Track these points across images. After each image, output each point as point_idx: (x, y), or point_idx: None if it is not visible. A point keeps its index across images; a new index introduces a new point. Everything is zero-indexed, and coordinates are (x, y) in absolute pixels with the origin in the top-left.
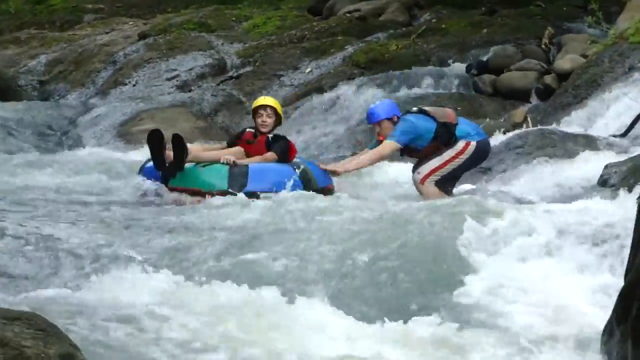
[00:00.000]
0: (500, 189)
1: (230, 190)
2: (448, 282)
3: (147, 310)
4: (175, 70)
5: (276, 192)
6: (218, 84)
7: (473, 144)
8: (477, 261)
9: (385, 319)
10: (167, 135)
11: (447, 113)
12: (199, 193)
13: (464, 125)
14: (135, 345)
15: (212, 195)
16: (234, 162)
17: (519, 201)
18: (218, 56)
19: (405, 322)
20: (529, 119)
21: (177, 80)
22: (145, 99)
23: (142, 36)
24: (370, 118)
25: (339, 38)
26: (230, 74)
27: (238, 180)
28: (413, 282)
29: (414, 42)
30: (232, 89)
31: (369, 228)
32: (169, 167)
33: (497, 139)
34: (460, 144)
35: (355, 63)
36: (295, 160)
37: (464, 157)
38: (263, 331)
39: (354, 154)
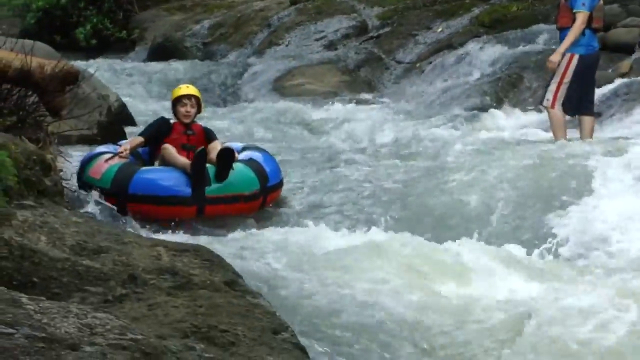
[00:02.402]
0: (610, 132)
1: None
2: (564, 212)
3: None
4: (322, 31)
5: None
6: (360, 43)
7: (576, 56)
8: (590, 197)
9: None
10: (315, 87)
11: None
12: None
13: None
14: (291, 275)
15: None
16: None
17: (627, 142)
18: (360, 19)
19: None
20: (634, 69)
21: (324, 41)
22: (296, 57)
23: (294, 2)
24: None
25: (467, 1)
26: (371, 34)
27: (262, 176)
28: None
29: (532, 4)
30: (373, 47)
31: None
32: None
33: (606, 88)
34: (565, 59)
35: (481, 23)
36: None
37: (570, 71)
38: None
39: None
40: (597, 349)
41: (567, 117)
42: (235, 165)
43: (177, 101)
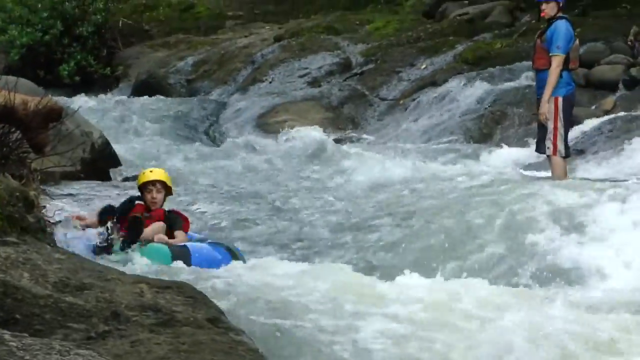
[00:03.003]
0: (593, 169)
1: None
2: (559, 247)
3: (286, 286)
4: (306, 68)
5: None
6: (344, 80)
7: (560, 99)
8: (578, 235)
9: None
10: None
11: None
12: None
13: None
14: (274, 311)
15: None
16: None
17: (611, 179)
18: (344, 55)
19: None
20: (617, 106)
21: (308, 77)
22: (280, 94)
23: (278, 39)
24: None
25: (450, 38)
26: (355, 71)
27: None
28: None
29: (516, 41)
30: (357, 84)
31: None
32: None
33: (589, 125)
34: (551, 105)
35: (465, 60)
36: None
37: (560, 114)
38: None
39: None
40: None
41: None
42: (156, 245)
43: (142, 187)
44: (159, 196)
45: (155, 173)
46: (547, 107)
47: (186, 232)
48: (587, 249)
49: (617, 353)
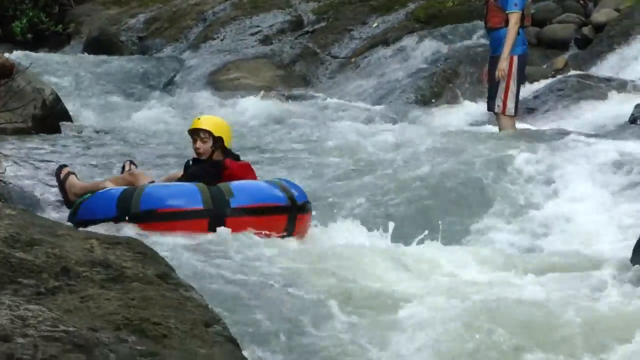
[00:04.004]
0: (544, 127)
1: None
2: (495, 205)
3: (241, 243)
4: (258, 26)
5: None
6: (296, 38)
7: (515, 58)
8: (521, 189)
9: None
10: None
11: None
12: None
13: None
14: (223, 268)
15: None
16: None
17: (560, 137)
18: (296, 13)
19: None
20: (569, 65)
21: (259, 35)
22: (232, 51)
23: None
24: None
25: None
26: (307, 29)
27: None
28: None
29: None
30: (308, 42)
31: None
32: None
33: (541, 83)
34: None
35: (417, 18)
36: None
37: (514, 73)
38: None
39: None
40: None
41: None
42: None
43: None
44: (204, 146)
45: (199, 121)
46: (505, 64)
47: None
48: (540, 198)
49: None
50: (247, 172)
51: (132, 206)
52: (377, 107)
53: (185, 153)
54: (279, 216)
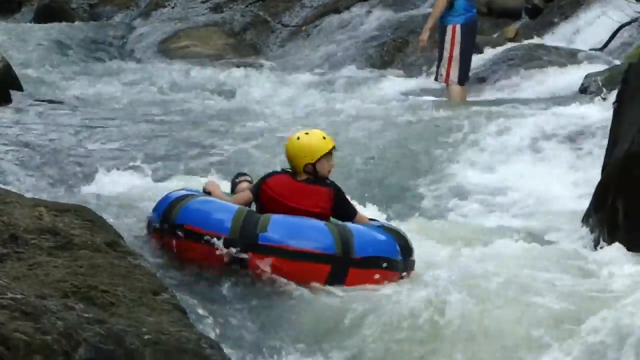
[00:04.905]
0: (494, 96)
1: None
2: (443, 175)
3: None
4: None
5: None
6: (246, 6)
7: (457, 27)
8: (470, 158)
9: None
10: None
11: None
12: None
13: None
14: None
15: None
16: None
17: (510, 106)
18: None
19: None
20: (519, 34)
21: (210, 3)
22: (182, 19)
23: None
24: None
25: None
26: None
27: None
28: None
29: None
30: (259, 10)
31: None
32: None
33: (491, 53)
34: (449, 32)
35: None
36: None
37: (457, 43)
38: None
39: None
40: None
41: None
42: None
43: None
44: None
45: (331, 140)
46: (426, 35)
47: None
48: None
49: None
50: None
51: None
52: (327, 76)
53: (136, 123)
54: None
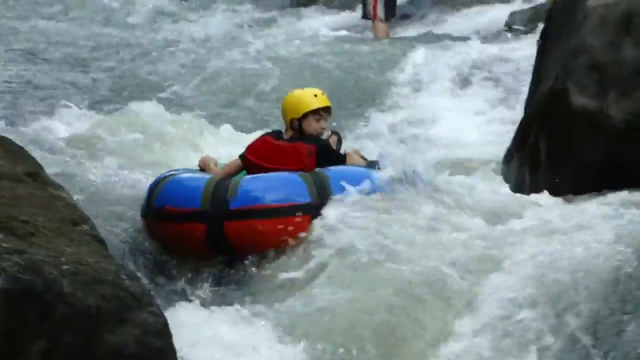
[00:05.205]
0: (419, 32)
1: None
2: (365, 110)
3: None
4: None
5: None
6: None
7: None
8: (394, 93)
9: None
10: None
11: None
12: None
13: None
14: (92, 167)
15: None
16: None
17: (435, 42)
18: None
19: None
20: None
21: None
22: None
23: None
24: None
25: None
26: None
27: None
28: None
29: None
30: None
31: None
32: None
33: None
34: None
35: None
36: None
37: None
38: None
39: None
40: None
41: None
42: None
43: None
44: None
45: (325, 97)
46: None
47: None
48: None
49: None
50: None
51: None
52: (251, 15)
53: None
54: None
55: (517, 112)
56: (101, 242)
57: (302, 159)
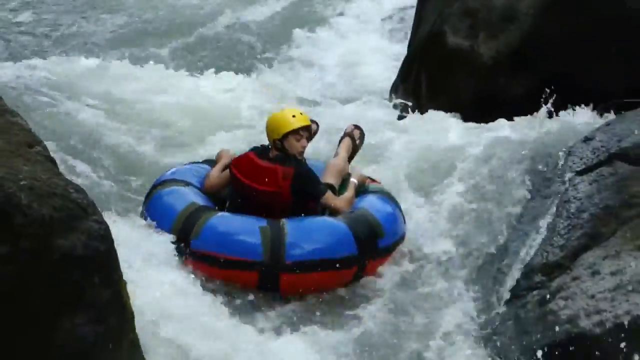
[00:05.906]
0: None
1: None
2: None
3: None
4: None
5: None
6: None
7: None
8: (303, 37)
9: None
10: None
11: None
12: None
13: None
14: (49, 97)
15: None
16: None
17: None
18: None
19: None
20: None
21: None
22: None
23: None
24: None
25: None
26: None
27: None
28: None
29: None
30: None
31: None
32: None
33: None
34: None
35: None
36: None
37: None
38: None
39: None
40: None
41: None
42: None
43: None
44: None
45: (305, 117)
46: None
47: None
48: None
49: None
50: None
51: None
52: None
53: None
54: None
55: (402, 50)
56: (52, 161)
57: (278, 182)
